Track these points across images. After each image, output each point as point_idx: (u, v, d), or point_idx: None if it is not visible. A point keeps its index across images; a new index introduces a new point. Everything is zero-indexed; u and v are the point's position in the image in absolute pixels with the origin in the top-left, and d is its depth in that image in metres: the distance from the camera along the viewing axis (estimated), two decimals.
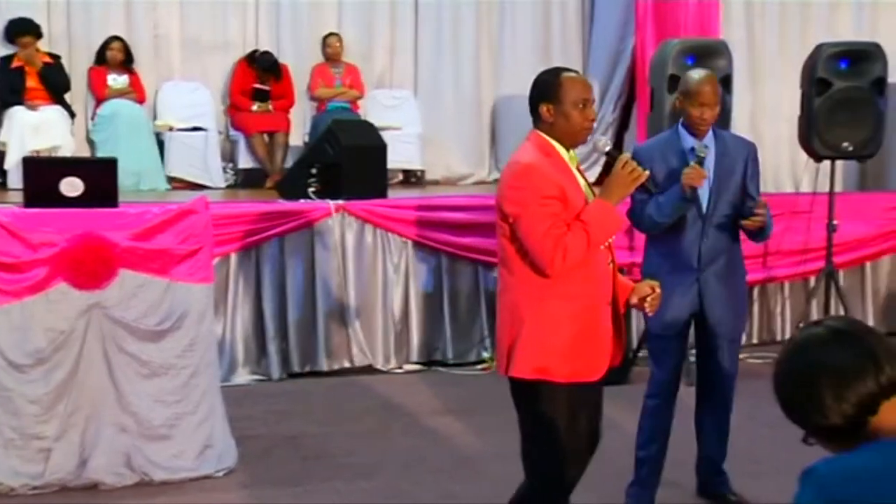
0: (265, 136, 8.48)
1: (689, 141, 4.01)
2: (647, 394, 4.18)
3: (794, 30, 8.41)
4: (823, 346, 1.83)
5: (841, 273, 7.13)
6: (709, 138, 4.03)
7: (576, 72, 3.29)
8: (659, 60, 6.58)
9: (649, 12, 7.54)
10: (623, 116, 9.13)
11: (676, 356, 4.14)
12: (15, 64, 7.80)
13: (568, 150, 3.21)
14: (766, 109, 8.37)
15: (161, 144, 8.11)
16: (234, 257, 6.14)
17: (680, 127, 4.05)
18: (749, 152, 4.09)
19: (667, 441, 4.15)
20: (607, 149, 3.20)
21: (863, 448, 1.77)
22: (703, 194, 3.97)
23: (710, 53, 6.45)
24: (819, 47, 6.71)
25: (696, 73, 4.09)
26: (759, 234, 4.02)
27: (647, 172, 3.16)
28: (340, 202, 6.36)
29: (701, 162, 3.93)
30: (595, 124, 3.23)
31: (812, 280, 7.07)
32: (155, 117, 8.33)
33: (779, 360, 1.90)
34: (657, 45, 7.01)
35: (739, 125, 7.26)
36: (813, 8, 8.49)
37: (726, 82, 6.17)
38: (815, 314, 6.90)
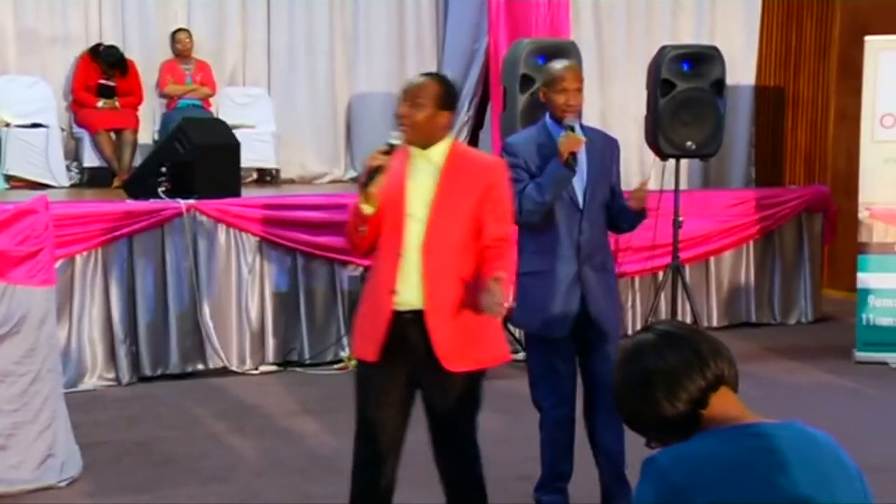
0: (112, 134, 8.19)
1: (558, 132, 3.98)
2: (550, 405, 3.95)
3: (640, 31, 8.67)
4: (653, 351, 1.91)
5: (687, 268, 7.40)
6: (578, 133, 4.00)
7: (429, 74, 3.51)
8: (511, 60, 6.68)
9: (502, 12, 7.63)
10: (478, 115, 9.22)
11: (573, 358, 3.98)
12: None
13: (423, 147, 3.32)
14: (615, 109, 8.59)
15: None
16: (79, 259, 5.93)
17: (547, 120, 4.03)
18: (615, 147, 4.15)
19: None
20: (390, 141, 3.27)
21: (697, 436, 1.85)
22: (579, 188, 3.96)
23: (560, 53, 6.55)
24: (662, 49, 6.94)
25: (558, 63, 4.11)
26: (637, 217, 4.03)
27: (383, 162, 3.23)
28: (192, 201, 6.21)
29: (573, 130, 3.92)
30: (406, 120, 3.31)
31: (660, 275, 7.31)
32: None
33: (614, 370, 1.96)
34: (510, 44, 7.11)
35: (590, 124, 7.41)
36: (657, 10, 8.77)
37: None
38: (663, 308, 7.14)
